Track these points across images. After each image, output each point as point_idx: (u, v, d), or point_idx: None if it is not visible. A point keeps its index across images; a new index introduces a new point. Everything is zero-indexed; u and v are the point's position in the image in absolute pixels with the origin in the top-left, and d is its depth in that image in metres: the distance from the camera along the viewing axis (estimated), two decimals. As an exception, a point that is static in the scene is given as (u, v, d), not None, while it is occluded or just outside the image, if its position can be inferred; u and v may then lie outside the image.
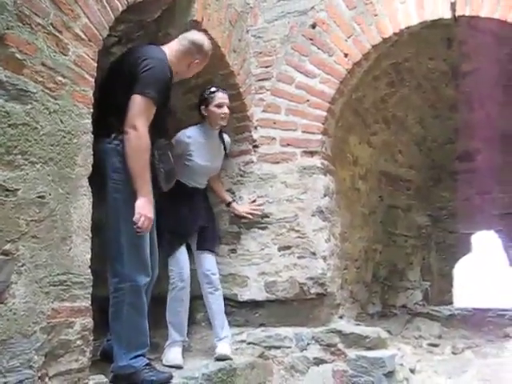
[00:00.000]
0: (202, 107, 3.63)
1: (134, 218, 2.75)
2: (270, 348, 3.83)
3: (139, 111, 2.78)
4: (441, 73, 4.80)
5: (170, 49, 3.10)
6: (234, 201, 4.02)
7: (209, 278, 3.63)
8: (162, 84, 2.88)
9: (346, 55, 3.93)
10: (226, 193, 4.05)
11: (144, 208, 2.77)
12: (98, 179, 2.60)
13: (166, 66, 2.95)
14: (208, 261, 3.66)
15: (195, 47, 3.13)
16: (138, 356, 2.78)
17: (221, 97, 3.61)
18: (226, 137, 3.85)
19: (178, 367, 3.22)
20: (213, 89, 3.61)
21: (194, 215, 3.62)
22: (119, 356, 2.75)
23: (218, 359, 3.40)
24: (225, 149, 3.84)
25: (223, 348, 3.49)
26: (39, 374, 2.05)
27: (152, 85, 2.81)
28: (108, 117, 2.82)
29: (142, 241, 2.84)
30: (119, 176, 2.79)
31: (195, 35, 3.18)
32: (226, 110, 3.62)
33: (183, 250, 3.56)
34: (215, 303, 3.62)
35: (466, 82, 4.87)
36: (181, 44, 3.12)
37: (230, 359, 3.42)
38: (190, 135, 3.62)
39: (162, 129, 3.07)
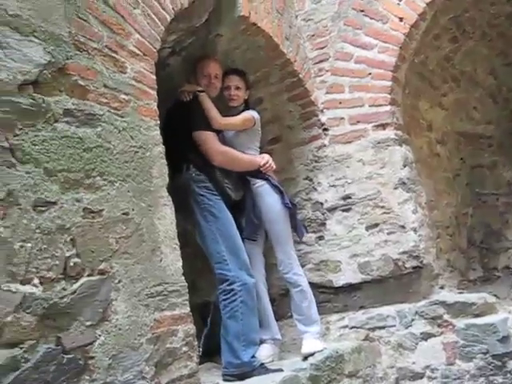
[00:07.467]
0: None
1: (261, 163, 3.53)
2: (373, 329, 3.76)
3: (205, 142, 3.29)
4: (506, 16, 4.52)
5: None
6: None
7: (284, 277, 3.58)
8: (203, 114, 3.32)
9: (400, 19, 3.80)
10: None
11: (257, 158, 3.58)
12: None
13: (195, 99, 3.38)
14: (279, 259, 3.57)
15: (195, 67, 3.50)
16: (254, 355, 3.02)
17: (226, 80, 3.60)
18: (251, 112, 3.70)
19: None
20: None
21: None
22: (240, 352, 2.96)
23: (305, 358, 3.27)
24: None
25: (306, 346, 3.37)
26: (153, 384, 2.11)
27: (199, 120, 3.31)
28: (178, 154, 3.10)
29: (238, 244, 3.18)
30: (203, 199, 3.17)
31: None
32: (231, 91, 3.60)
33: (247, 246, 3.38)
34: (293, 301, 3.54)
35: (534, 21, 4.58)
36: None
37: (320, 351, 3.29)
38: None
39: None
